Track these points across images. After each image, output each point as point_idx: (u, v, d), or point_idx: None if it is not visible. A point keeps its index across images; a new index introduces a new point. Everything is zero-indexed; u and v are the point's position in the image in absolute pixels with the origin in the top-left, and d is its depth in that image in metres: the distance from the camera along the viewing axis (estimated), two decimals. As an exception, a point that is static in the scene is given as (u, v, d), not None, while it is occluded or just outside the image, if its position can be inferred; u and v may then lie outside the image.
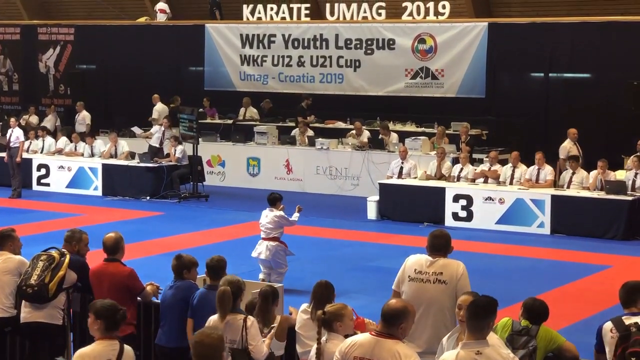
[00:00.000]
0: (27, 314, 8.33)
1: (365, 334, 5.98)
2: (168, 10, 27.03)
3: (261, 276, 12.61)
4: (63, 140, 22.87)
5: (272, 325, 7.65)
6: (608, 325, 6.82)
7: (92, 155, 22.11)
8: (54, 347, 8.41)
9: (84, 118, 24.80)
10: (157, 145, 22.04)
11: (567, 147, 18.99)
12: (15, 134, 20.85)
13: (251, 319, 7.19)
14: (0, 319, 8.53)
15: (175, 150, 21.13)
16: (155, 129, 22.51)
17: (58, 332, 8.37)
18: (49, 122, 25.80)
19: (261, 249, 12.77)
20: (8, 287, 8.50)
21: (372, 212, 18.56)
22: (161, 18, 27.01)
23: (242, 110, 24.64)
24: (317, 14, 25.39)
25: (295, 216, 12.98)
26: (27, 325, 8.31)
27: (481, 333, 5.67)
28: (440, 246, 7.39)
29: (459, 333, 6.42)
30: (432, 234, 7.50)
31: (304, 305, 7.69)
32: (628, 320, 6.74)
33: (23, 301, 8.37)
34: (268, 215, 12.83)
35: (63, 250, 8.46)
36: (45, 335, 8.31)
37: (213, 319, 7.24)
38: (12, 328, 8.59)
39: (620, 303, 7.04)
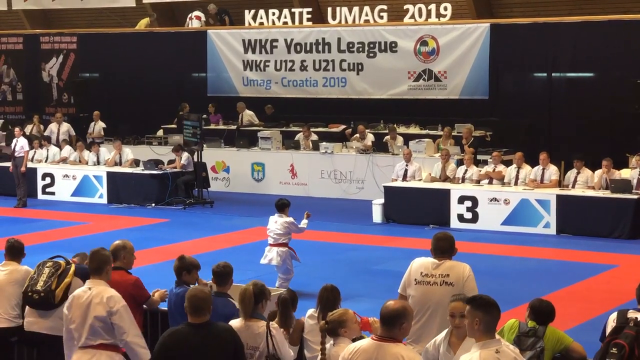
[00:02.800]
0: (31, 322, 8.32)
1: (367, 339, 5.97)
2: (204, 18, 26.80)
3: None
4: (67, 149, 22.90)
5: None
6: (613, 315, 6.95)
7: (97, 163, 22.14)
8: (60, 356, 8.40)
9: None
10: None
11: None
12: (20, 144, 20.87)
13: (275, 325, 7.05)
14: (7, 329, 8.52)
15: (181, 157, 21.15)
16: None
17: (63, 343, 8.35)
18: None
19: (272, 255, 12.70)
20: (14, 298, 8.50)
21: (377, 216, 18.55)
22: (196, 24, 26.84)
23: (239, 115, 24.64)
24: (319, 18, 25.38)
25: (304, 223, 12.93)
26: (30, 334, 8.29)
27: (494, 330, 5.66)
28: (445, 248, 7.40)
29: (450, 336, 6.46)
30: (436, 237, 7.52)
31: (311, 311, 7.67)
32: (631, 315, 6.80)
33: (27, 308, 8.35)
34: (277, 221, 12.77)
35: (69, 259, 8.46)
36: (51, 346, 8.29)
37: (234, 324, 6.94)
38: (19, 338, 8.59)
39: (635, 299, 7.19)
